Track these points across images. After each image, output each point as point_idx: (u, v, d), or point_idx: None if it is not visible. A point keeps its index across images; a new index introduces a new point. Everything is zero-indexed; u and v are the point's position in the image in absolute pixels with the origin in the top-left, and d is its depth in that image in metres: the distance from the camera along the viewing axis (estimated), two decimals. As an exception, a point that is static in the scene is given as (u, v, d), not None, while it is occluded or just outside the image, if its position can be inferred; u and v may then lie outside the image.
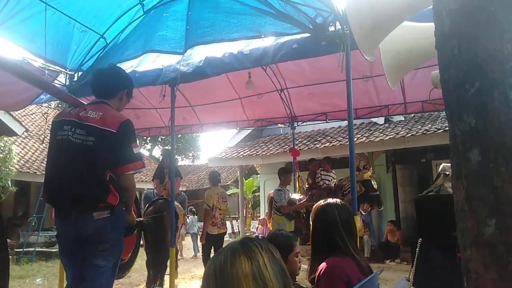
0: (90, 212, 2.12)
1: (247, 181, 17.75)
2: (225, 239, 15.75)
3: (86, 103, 2.45)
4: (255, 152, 10.21)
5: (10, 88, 3.93)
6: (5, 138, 9.68)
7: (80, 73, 4.24)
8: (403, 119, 8.85)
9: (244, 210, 17.99)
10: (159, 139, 24.20)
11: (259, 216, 12.76)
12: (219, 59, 3.50)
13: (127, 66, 4.11)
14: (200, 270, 5.70)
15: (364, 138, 8.47)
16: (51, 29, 3.56)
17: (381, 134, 8.37)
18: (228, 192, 18.90)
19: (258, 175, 15.17)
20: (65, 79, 4.21)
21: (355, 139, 8.23)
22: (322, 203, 1.76)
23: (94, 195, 2.15)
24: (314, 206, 1.79)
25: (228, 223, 16.94)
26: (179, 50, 3.39)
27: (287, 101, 6.45)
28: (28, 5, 3.30)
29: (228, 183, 19.73)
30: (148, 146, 28.79)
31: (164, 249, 4.21)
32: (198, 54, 3.83)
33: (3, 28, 3.30)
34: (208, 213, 5.48)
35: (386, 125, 8.98)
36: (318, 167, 6.51)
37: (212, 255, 5.43)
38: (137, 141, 2.32)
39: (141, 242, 4.39)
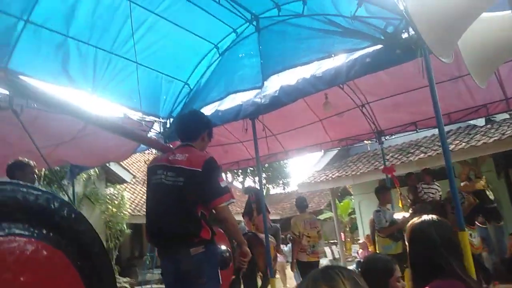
0: (187, 248, 2.26)
1: (341, 203, 17.18)
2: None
3: (174, 148, 2.67)
4: (344, 173, 9.90)
5: (116, 142, 4.47)
6: (117, 186, 10.95)
7: (171, 119, 4.67)
8: (508, 116, 7.84)
9: (343, 234, 17.34)
10: (248, 170, 24.89)
11: (359, 240, 12.15)
12: (293, 86, 3.58)
13: (211, 107, 4.43)
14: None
15: (464, 143, 7.67)
16: (143, 84, 4.03)
17: (484, 137, 7.49)
18: (323, 217, 18.51)
19: (352, 196, 14.59)
20: (159, 127, 4.67)
21: (453, 146, 7.60)
22: (416, 221, 1.61)
23: (189, 231, 2.29)
24: (408, 225, 1.65)
25: (327, 249, 16.46)
26: (258, 85, 3.56)
27: (370, 116, 6.22)
28: (123, 67, 3.80)
29: (321, 208, 19.32)
30: (240, 179, 29.87)
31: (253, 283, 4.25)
32: (274, 84, 3.96)
33: (105, 90, 3.82)
34: (295, 242, 5.44)
35: (488, 126, 8.02)
36: (418, 181, 6.03)
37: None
38: (223, 175, 2.44)
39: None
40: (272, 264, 4.35)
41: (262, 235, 4.34)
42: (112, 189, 11.31)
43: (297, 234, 5.39)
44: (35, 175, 3.69)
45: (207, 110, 4.31)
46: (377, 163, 9.12)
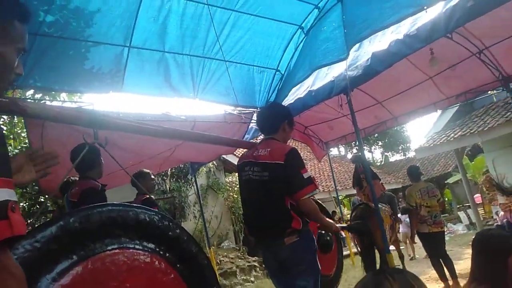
0: (281, 238, 2.34)
1: (473, 162, 15.35)
2: (462, 231, 13.97)
3: (258, 143, 2.76)
4: (468, 130, 8.80)
5: None
6: (236, 174, 11.75)
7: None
8: None
9: (480, 196, 15.52)
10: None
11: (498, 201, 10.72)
12: (386, 50, 3.30)
13: (304, 88, 4.40)
14: (434, 271, 5.23)
15: None
16: (237, 80, 4.23)
17: None
18: (452, 180, 16.82)
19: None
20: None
21: None
22: None
23: (280, 223, 2.37)
24: None
25: (461, 214, 14.97)
26: (342, 57, 3.38)
27: (491, 62, 5.37)
28: (216, 68, 4.04)
29: (449, 170, 17.57)
30: (354, 150, 29.06)
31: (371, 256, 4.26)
32: (366, 54, 3.72)
33: (205, 92, 4.12)
34: (412, 214, 5.15)
35: None
36: None
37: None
38: (305, 165, 2.44)
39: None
40: (390, 233, 4.18)
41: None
42: (231, 178, 12.21)
43: (414, 205, 5.06)
44: (154, 181, 4.22)
45: (300, 93, 4.30)
46: (509, 113, 7.88)
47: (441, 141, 9.30)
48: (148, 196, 3.83)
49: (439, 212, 5.16)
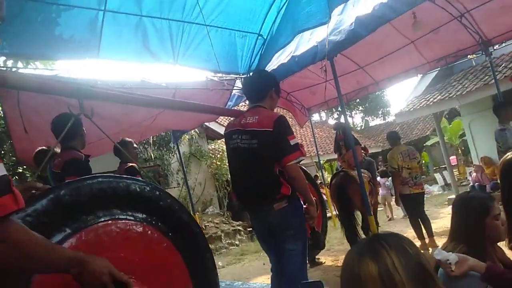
0: (271, 204, 2.38)
1: (450, 125, 15.77)
2: (438, 192, 14.46)
3: (245, 111, 2.73)
4: (447, 94, 8.95)
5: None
6: (218, 141, 11.76)
7: (251, 73, 4.71)
8: None
9: (455, 157, 16.07)
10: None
11: (472, 162, 11.18)
12: (370, 14, 3.26)
13: (287, 53, 4.32)
14: (411, 230, 5.47)
15: None
16: (218, 45, 4.10)
17: None
18: (430, 142, 17.32)
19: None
20: (241, 83, 4.76)
21: None
22: (509, 156, 1.43)
23: (269, 189, 2.40)
24: (501, 160, 1.47)
25: (437, 176, 15.54)
26: (324, 20, 3.29)
27: (472, 26, 5.40)
28: (196, 33, 3.90)
29: (427, 134, 18.03)
30: (335, 115, 29.29)
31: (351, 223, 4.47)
32: (349, 18, 3.66)
33: (185, 58, 4.00)
34: (395, 175, 5.29)
35: None
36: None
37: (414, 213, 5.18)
38: (293, 132, 2.45)
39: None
40: (369, 198, 4.33)
41: (355, 172, 4.31)
42: (213, 145, 12.19)
43: (396, 168, 5.20)
44: (136, 149, 4.17)
45: (283, 58, 4.23)
46: (487, 77, 8.02)
47: (420, 105, 9.45)
48: (130, 165, 3.80)
49: (419, 174, 5.33)
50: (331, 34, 3.74)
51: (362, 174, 4.10)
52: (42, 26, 3.07)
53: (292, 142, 2.37)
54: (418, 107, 9.51)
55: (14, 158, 5.68)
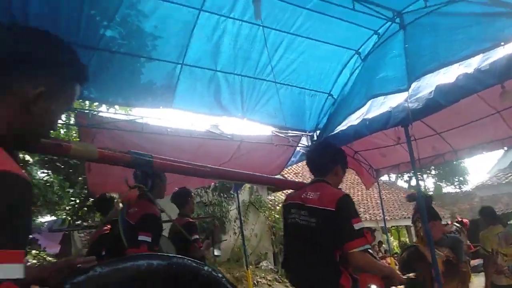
0: None
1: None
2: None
3: (307, 184, 2.58)
4: (541, 170, 7.96)
5: (266, 160, 4.88)
6: (278, 194, 11.60)
7: (318, 131, 4.62)
8: None
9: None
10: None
11: None
12: (452, 84, 3.02)
13: (357, 115, 4.18)
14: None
15: None
16: (287, 102, 4.12)
17: None
18: (516, 221, 15.32)
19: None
20: (307, 140, 4.68)
21: None
22: None
23: (326, 278, 2.15)
24: None
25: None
26: (403, 88, 3.15)
27: None
28: (266, 89, 3.97)
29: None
30: (406, 177, 27.61)
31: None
32: (428, 85, 3.45)
33: (254, 113, 4.05)
34: (488, 260, 4.59)
35: None
36: None
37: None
38: (359, 215, 2.21)
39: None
40: (447, 283, 3.74)
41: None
42: (274, 196, 12.04)
43: (490, 251, 4.54)
44: (194, 203, 4.17)
45: (353, 120, 4.08)
46: None
47: (507, 180, 8.47)
48: (190, 220, 3.78)
49: None
50: (407, 100, 3.54)
51: (441, 253, 3.61)
52: (130, 74, 3.33)
53: (356, 227, 2.11)
54: (504, 181, 8.54)
55: (86, 191, 6.07)
